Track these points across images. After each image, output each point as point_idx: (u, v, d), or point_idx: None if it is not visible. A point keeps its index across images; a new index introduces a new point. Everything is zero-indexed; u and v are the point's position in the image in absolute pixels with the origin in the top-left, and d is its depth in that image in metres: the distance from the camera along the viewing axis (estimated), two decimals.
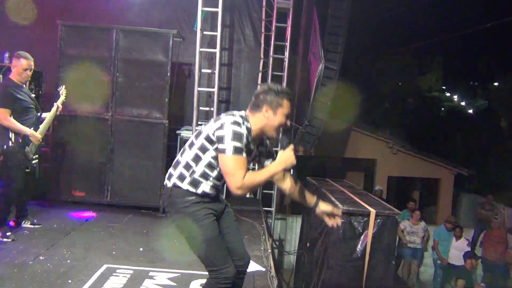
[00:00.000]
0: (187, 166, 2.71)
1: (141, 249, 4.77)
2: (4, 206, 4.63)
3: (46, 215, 5.58)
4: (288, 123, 2.80)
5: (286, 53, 8.06)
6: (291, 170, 2.79)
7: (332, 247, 5.35)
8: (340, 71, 7.66)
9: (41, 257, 4.25)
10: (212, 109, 6.86)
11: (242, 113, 2.75)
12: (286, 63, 8.08)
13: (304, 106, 8.05)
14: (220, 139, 2.57)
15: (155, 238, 5.16)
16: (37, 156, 4.76)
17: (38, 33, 7.26)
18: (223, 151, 2.55)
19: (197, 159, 2.69)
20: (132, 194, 6.28)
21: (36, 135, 4.64)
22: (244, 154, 2.59)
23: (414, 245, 8.87)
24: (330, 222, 2.99)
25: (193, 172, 2.70)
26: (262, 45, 8.16)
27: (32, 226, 5.05)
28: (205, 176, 2.71)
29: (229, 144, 2.54)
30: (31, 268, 3.97)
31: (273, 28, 7.99)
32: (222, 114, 2.72)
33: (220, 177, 2.72)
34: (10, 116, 4.49)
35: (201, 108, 6.80)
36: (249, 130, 2.69)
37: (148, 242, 5.02)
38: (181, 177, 2.72)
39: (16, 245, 4.49)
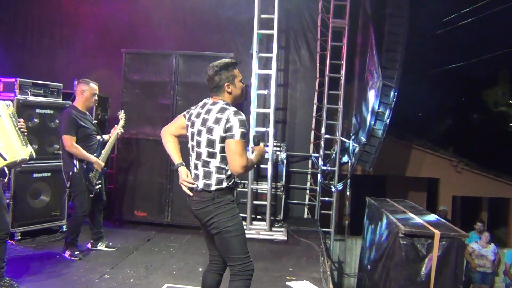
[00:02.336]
0: (220, 170, 3.02)
1: (200, 269, 4.82)
2: (73, 227, 4.86)
3: (110, 235, 5.78)
4: (244, 83, 3.19)
5: (342, 72, 8.00)
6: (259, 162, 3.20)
7: (394, 270, 5.15)
8: (399, 88, 7.48)
9: (106, 276, 4.42)
10: (268, 129, 6.91)
11: (221, 101, 3.07)
12: (342, 82, 8.01)
13: (361, 125, 7.91)
14: (230, 129, 2.91)
15: None
16: (100, 181, 4.95)
17: (104, 60, 7.70)
18: (231, 136, 2.90)
19: (225, 159, 3.00)
20: (191, 214, 6.36)
21: (99, 162, 4.82)
22: (246, 140, 2.96)
23: (483, 269, 8.34)
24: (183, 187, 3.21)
25: (226, 170, 3.03)
26: (318, 64, 8.18)
27: (106, 248, 5.23)
28: None
29: (237, 131, 2.89)
30: (97, 286, 4.14)
31: (329, 47, 7.98)
32: (215, 113, 3.00)
33: None
34: (76, 143, 4.68)
35: (257, 128, 6.86)
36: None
37: (207, 262, 5.06)
38: (219, 181, 3.03)
39: (83, 264, 4.71)
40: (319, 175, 8.02)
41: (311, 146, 8.22)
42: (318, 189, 8.06)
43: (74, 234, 4.85)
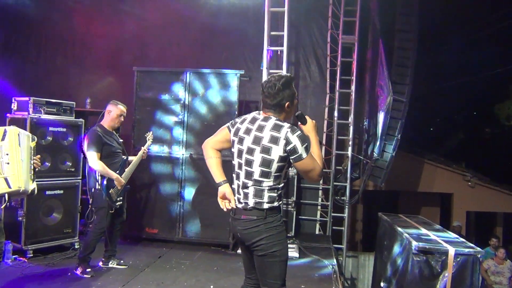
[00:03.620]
0: (273, 189, 2.91)
1: (211, 286, 4.80)
2: (88, 244, 4.85)
3: (122, 252, 5.77)
4: (298, 100, 3.08)
5: (353, 87, 8.02)
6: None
7: (408, 287, 5.06)
8: (409, 102, 7.46)
9: None
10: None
11: (274, 118, 2.93)
12: (352, 97, 8.02)
13: (373, 140, 7.89)
14: (294, 151, 2.81)
15: (225, 275, 5.17)
16: (121, 198, 4.98)
17: (116, 79, 7.80)
18: (300, 158, 2.82)
19: (278, 178, 2.91)
20: (202, 231, 6.38)
21: (120, 179, 4.87)
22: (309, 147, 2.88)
23: (500, 286, 8.17)
24: (222, 204, 3.04)
25: (278, 189, 2.93)
26: (328, 80, 8.20)
27: (118, 266, 5.22)
28: (284, 185, 2.99)
29: (302, 149, 2.81)
30: None
31: (339, 62, 8.01)
32: (269, 130, 2.87)
33: None
34: (99, 159, 4.77)
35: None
36: None
37: (218, 280, 5.04)
38: (272, 199, 2.91)
39: (95, 281, 4.69)
40: (330, 191, 7.97)
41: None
42: (329, 205, 8.01)
43: (89, 250, 4.85)
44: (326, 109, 8.26)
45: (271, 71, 6.90)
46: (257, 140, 2.89)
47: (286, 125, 2.86)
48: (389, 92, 6.99)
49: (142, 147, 5.25)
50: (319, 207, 8.18)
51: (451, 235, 6.02)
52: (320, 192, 8.21)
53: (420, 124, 15.22)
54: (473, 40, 15.43)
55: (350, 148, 8.02)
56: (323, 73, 8.29)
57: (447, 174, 10.99)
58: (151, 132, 5.46)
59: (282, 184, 2.94)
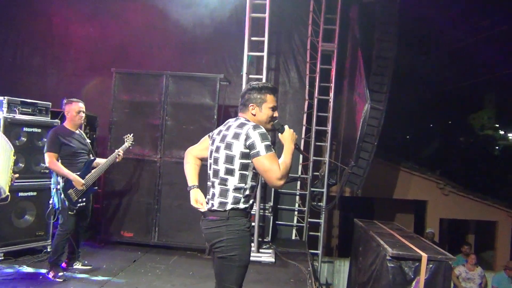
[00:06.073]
0: (238, 189, 2.90)
1: None
2: (55, 246, 4.79)
3: (96, 256, 5.72)
4: (276, 114, 3.07)
5: (331, 94, 8.10)
6: (297, 146, 3.04)
7: None
8: (386, 111, 7.57)
9: None
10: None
11: (242, 118, 3.03)
12: (331, 104, 8.11)
13: (350, 147, 7.98)
14: (252, 146, 2.83)
15: (201, 281, 5.15)
16: (85, 200, 4.89)
17: (95, 80, 7.71)
18: (257, 154, 2.82)
19: (244, 177, 2.90)
20: (179, 235, 6.34)
21: (79, 180, 4.75)
22: (273, 149, 2.87)
23: None
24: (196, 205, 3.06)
25: (245, 189, 2.91)
26: (307, 86, 8.28)
27: (83, 267, 5.16)
28: (252, 187, 2.96)
29: (260, 146, 2.81)
30: None
31: (318, 69, 8.09)
32: (234, 128, 2.95)
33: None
34: (58, 160, 4.72)
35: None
36: None
37: (193, 285, 5.02)
38: (236, 200, 2.90)
39: (67, 285, 4.62)
40: (307, 196, 8.03)
41: (300, 167, 8.25)
42: (306, 211, 8.06)
43: (58, 253, 4.77)
44: (305, 115, 8.33)
45: (251, 76, 6.93)
46: (223, 138, 2.99)
47: (252, 123, 2.93)
48: (366, 100, 7.09)
49: (117, 149, 5.17)
50: (296, 213, 8.23)
51: (425, 241, 6.13)
52: (297, 197, 8.26)
53: (396, 132, 15.46)
54: (451, 51, 15.78)
55: (327, 155, 8.10)
56: (302, 80, 8.36)
57: (422, 181, 11.20)
58: (131, 134, 5.34)
59: (250, 186, 2.92)
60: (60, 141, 4.74)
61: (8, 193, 3.72)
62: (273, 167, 2.79)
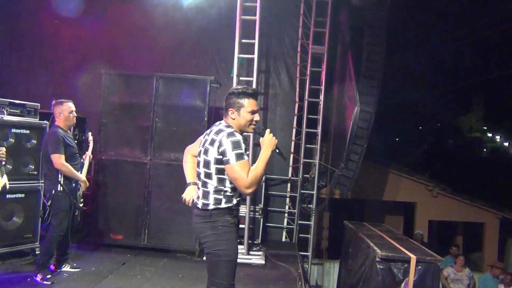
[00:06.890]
0: (218, 191, 3.01)
1: None
2: (47, 249, 4.75)
3: (85, 258, 5.68)
4: (257, 117, 3.13)
5: (321, 97, 8.13)
6: (277, 150, 3.14)
7: None
8: (376, 113, 7.62)
9: None
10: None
11: (223, 123, 3.10)
12: (321, 107, 8.14)
13: (340, 149, 8.01)
14: (224, 153, 2.91)
15: (190, 283, 5.14)
16: (83, 200, 4.92)
17: (84, 82, 7.65)
18: (227, 162, 2.90)
19: (222, 180, 3.01)
20: (168, 237, 6.32)
21: (86, 181, 4.85)
22: (246, 157, 2.95)
23: None
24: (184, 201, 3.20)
25: (225, 191, 3.02)
26: (297, 89, 8.30)
27: (71, 269, 5.13)
28: (233, 188, 3.04)
29: (231, 154, 2.89)
30: None
31: (308, 72, 8.11)
32: (212, 133, 3.04)
33: None
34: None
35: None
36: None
37: (184, 287, 5.00)
38: (217, 201, 3.01)
39: None
40: (298, 198, 8.05)
41: (290, 169, 8.27)
42: (296, 213, 8.08)
43: (48, 255, 4.74)
44: (295, 118, 8.34)
45: (241, 78, 6.94)
46: (204, 143, 3.10)
47: (228, 130, 3.00)
48: (356, 102, 7.12)
49: (87, 152, 5.19)
50: (286, 215, 8.24)
51: (414, 243, 6.17)
52: (288, 199, 8.27)
53: (386, 134, 15.56)
54: (439, 54, 15.93)
55: (317, 157, 8.12)
56: (292, 82, 8.39)
57: (411, 183, 11.26)
58: (90, 133, 5.40)
59: (230, 187, 3.01)
60: (65, 142, 4.71)
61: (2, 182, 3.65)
62: (241, 176, 2.87)
